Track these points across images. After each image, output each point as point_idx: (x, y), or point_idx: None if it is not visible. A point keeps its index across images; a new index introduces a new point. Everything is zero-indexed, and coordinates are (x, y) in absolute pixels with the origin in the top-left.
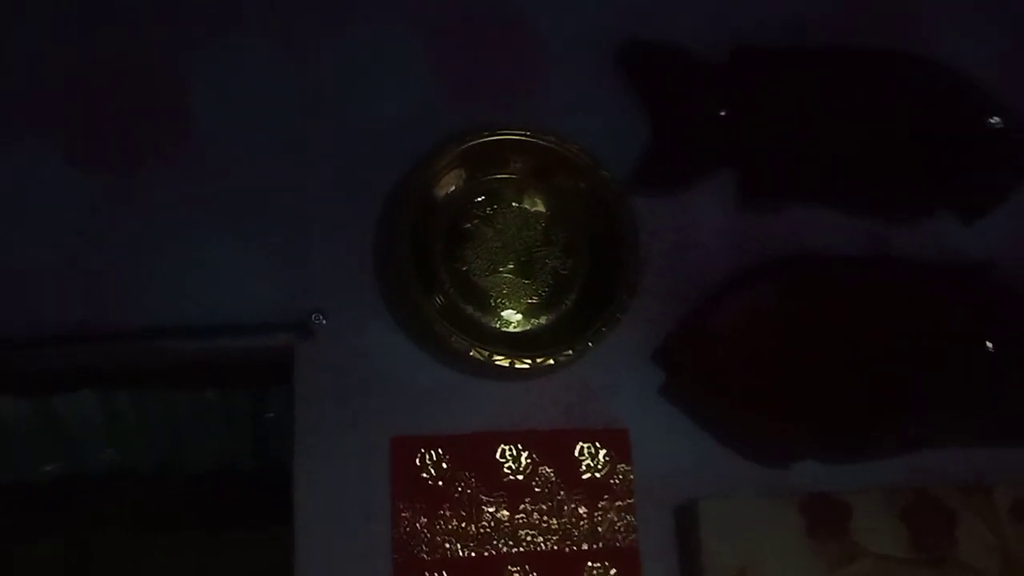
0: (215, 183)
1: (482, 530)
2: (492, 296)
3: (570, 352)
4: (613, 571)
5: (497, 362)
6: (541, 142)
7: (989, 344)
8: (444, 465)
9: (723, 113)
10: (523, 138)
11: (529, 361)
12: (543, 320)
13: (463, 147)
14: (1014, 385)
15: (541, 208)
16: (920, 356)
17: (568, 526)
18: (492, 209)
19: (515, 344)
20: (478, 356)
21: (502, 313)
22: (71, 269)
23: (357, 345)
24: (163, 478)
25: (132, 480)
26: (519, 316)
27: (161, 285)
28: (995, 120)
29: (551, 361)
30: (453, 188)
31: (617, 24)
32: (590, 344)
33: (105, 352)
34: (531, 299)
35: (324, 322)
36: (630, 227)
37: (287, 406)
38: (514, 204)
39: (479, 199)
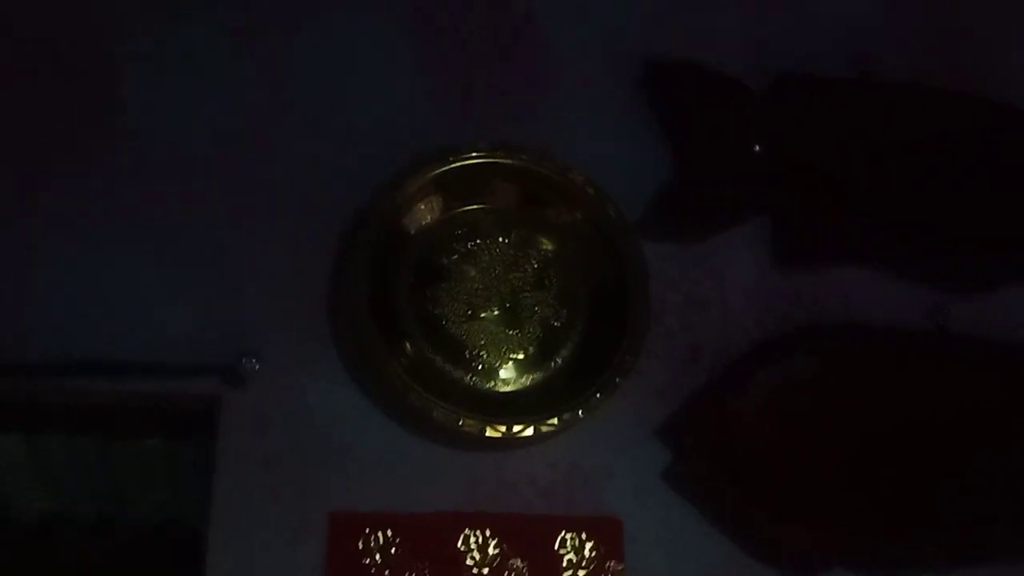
0: (136, 190)
1: None
2: (468, 347)
3: (555, 421)
4: None
5: (465, 428)
6: (536, 168)
7: None
8: (393, 551)
9: (759, 148)
10: (514, 162)
11: (504, 428)
12: (527, 380)
13: (442, 170)
14: None
15: (533, 246)
16: (982, 450)
17: None
18: (474, 244)
19: (491, 407)
20: (442, 418)
21: (478, 368)
22: None
23: (296, 397)
24: (104, 532)
25: (69, 531)
26: (499, 373)
27: (62, 311)
28: None
29: (531, 431)
30: (428, 217)
31: (641, 35)
32: (581, 413)
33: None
34: (515, 354)
35: (257, 367)
36: (639, 275)
37: (205, 467)
38: (501, 239)
39: (459, 232)
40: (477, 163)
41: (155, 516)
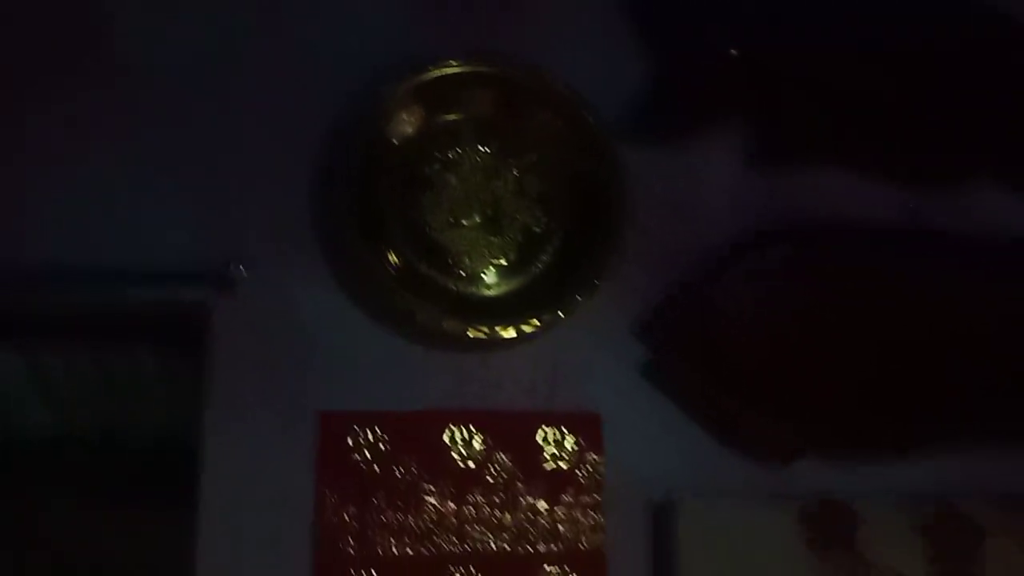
0: (125, 108)
1: (422, 525)
2: (451, 254)
3: (537, 322)
4: None
5: (448, 329)
6: (514, 76)
7: None
8: (381, 447)
9: (735, 52)
10: (491, 70)
11: (486, 330)
12: (510, 284)
13: (420, 80)
14: None
15: (514, 154)
16: (954, 342)
17: (524, 523)
18: (455, 153)
19: (474, 310)
20: (426, 321)
21: (461, 273)
22: None
23: (285, 302)
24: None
25: (75, 451)
26: (482, 278)
27: (51, 222)
28: None
29: (513, 332)
30: (409, 128)
31: None
32: (561, 314)
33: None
34: (497, 259)
35: (246, 274)
36: (618, 179)
37: (198, 375)
38: (481, 148)
39: (440, 141)
40: (455, 73)
41: (150, 431)
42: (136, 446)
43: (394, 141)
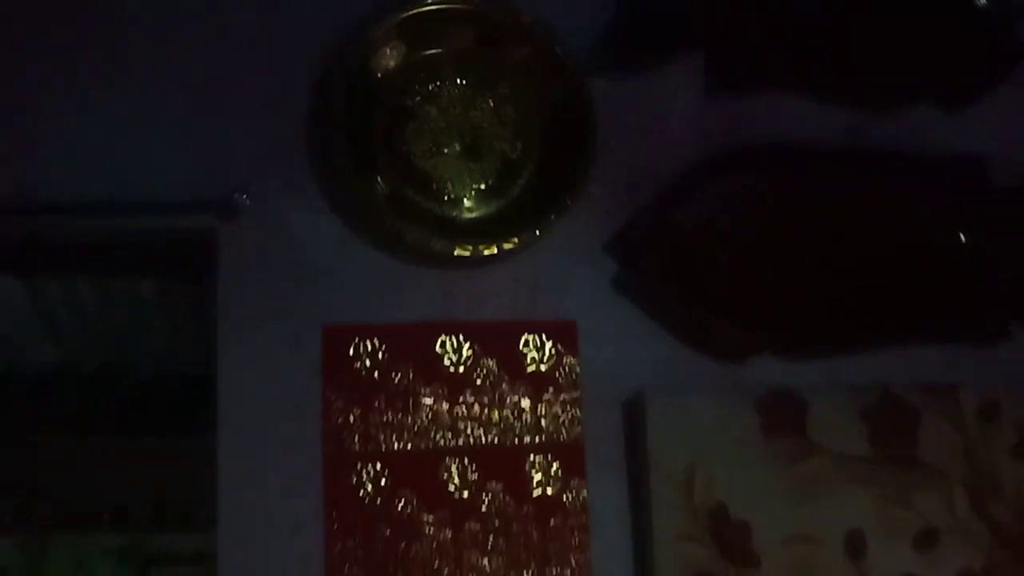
0: (126, 42)
1: (419, 423)
2: (435, 180)
3: (516, 240)
4: (556, 465)
5: (436, 249)
6: (489, 12)
7: (962, 236)
8: (380, 356)
9: None
10: (468, 7)
11: (471, 249)
12: (490, 207)
13: (402, 16)
14: (986, 282)
15: (489, 86)
16: (891, 250)
17: (510, 419)
18: (436, 86)
19: (459, 231)
20: (415, 241)
21: (445, 198)
22: None
23: (286, 228)
24: (109, 379)
25: (78, 381)
26: (464, 202)
27: (70, 156)
28: (984, 1)
29: (495, 249)
30: (392, 63)
31: None
32: (538, 233)
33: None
34: (477, 184)
35: (249, 202)
36: (587, 109)
37: (210, 293)
38: (459, 81)
39: (421, 75)
40: (434, 9)
41: (155, 360)
42: (141, 376)
43: (379, 75)
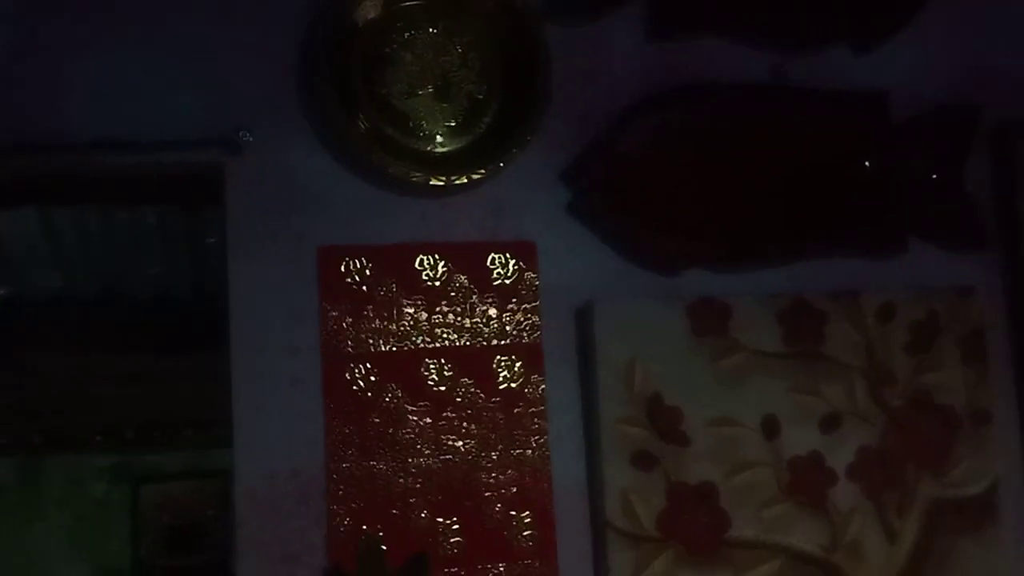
0: None
1: (402, 328)
2: (411, 118)
3: (483, 171)
4: (519, 364)
5: (414, 179)
6: None
7: (867, 163)
8: (368, 272)
9: None
10: None
11: (444, 179)
12: (460, 142)
13: None
14: (886, 202)
15: (457, 34)
16: (805, 175)
17: (480, 326)
18: (410, 35)
19: (433, 164)
20: (396, 173)
21: (420, 134)
22: None
23: (283, 162)
24: (106, 304)
25: (76, 305)
26: (437, 138)
27: (86, 97)
28: None
29: (465, 179)
30: (372, 14)
31: None
32: (502, 164)
33: (35, 164)
34: (448, 122)
35: (251, 139)
36: (542, 53)
37: (209, 222)
38: (431, 30)
39: (398, 24)
40: None
41: (153, 286)
42: (140, 299)
43: (360, 25)
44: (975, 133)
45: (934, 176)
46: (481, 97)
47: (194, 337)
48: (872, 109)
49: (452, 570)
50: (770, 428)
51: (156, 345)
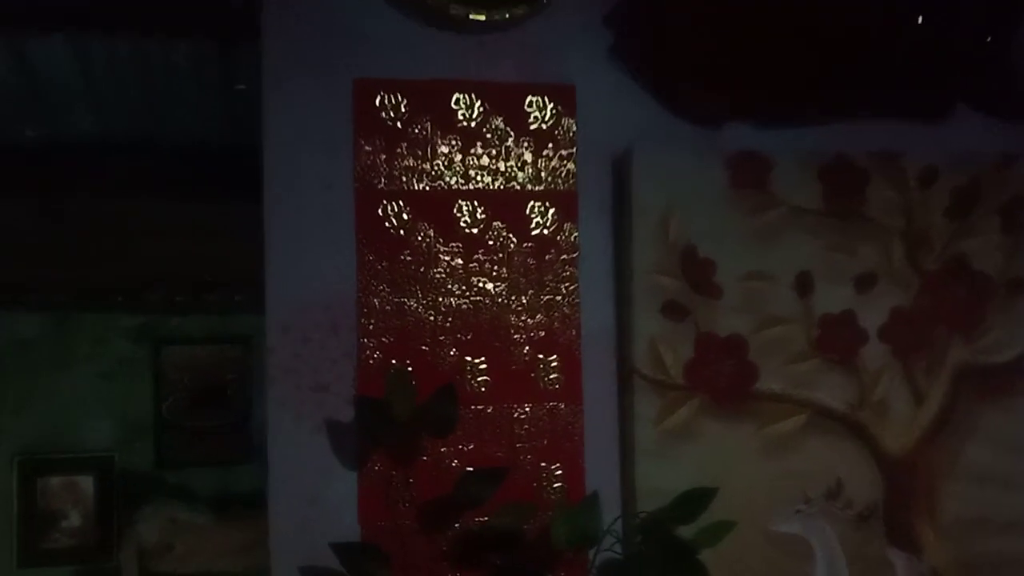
0: None
1: (436, 168)
2: None
3: (524, 6)
4: (552, 211)
5: (453, 12)
6: None
7: (920, 18)
8: (403, 108)
9: None
10: None
11: (484, 13)
12: None
13: None
14: (936, 64)
15: None
16: (854, 31)
17: (514, 169)
18: None
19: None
20: (436, 5)
21: None
22: None
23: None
24: (140, 150)
25: (110, 150)
26: None
27: None
28: None
29: (505, 15)
30: None
31: None
32: (545, 1)
33: None
34: None
35: None
36: None
37: (255, 54)
38: None
39: None
40: None
41: (188, 132)
42: (174, 145)
43: None
44: None
45: (988, 39)
46: None
47: (227, 187)
48: None
49: (478, 407)
50: (803, 285)
51: (190, 193)
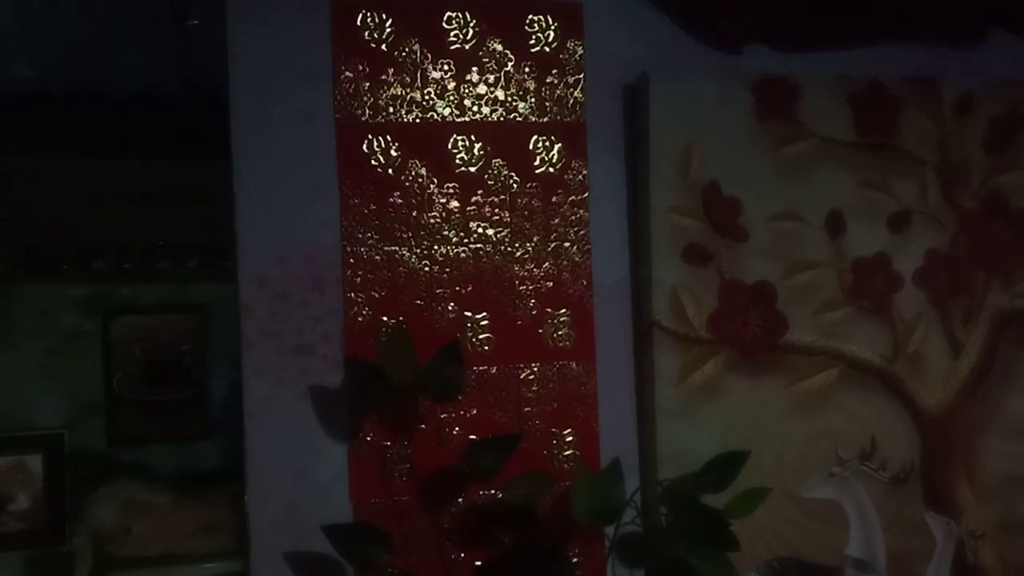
0: None
1: (426, 97)
2: None
3: None
4: (559, 145)
5: None
6: None
7: None
8: (387, 29)
9: None
10: None
11: None
12: None
13: None
14: None
15: None
16: None
17: (515, 99)
18: None
19: None
20: None
21: None
22: None
23: None
24: (83, 102)
25: (51, 103)
26: None
27: None
28: None
29: None
30: None
31: None
32: None
33: None
34: None
35: None
36: None
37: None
38: None
39: None
40: None
41: (134, 79)
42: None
43: None
44: None
45: None
46: None
47: (182, 142)
48: None
49: (481, 368)
50: (835, 225)
51: (138, 150)
